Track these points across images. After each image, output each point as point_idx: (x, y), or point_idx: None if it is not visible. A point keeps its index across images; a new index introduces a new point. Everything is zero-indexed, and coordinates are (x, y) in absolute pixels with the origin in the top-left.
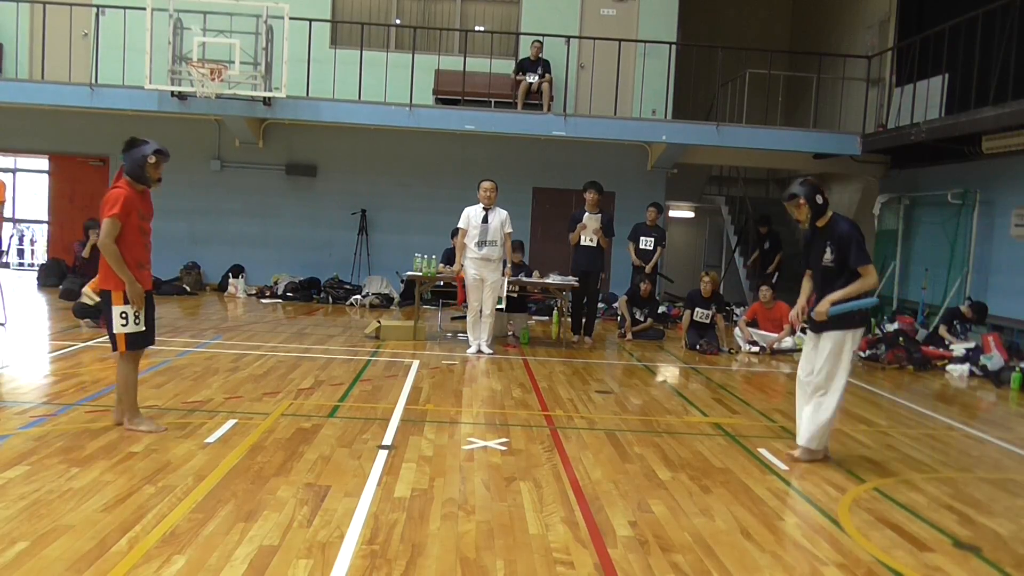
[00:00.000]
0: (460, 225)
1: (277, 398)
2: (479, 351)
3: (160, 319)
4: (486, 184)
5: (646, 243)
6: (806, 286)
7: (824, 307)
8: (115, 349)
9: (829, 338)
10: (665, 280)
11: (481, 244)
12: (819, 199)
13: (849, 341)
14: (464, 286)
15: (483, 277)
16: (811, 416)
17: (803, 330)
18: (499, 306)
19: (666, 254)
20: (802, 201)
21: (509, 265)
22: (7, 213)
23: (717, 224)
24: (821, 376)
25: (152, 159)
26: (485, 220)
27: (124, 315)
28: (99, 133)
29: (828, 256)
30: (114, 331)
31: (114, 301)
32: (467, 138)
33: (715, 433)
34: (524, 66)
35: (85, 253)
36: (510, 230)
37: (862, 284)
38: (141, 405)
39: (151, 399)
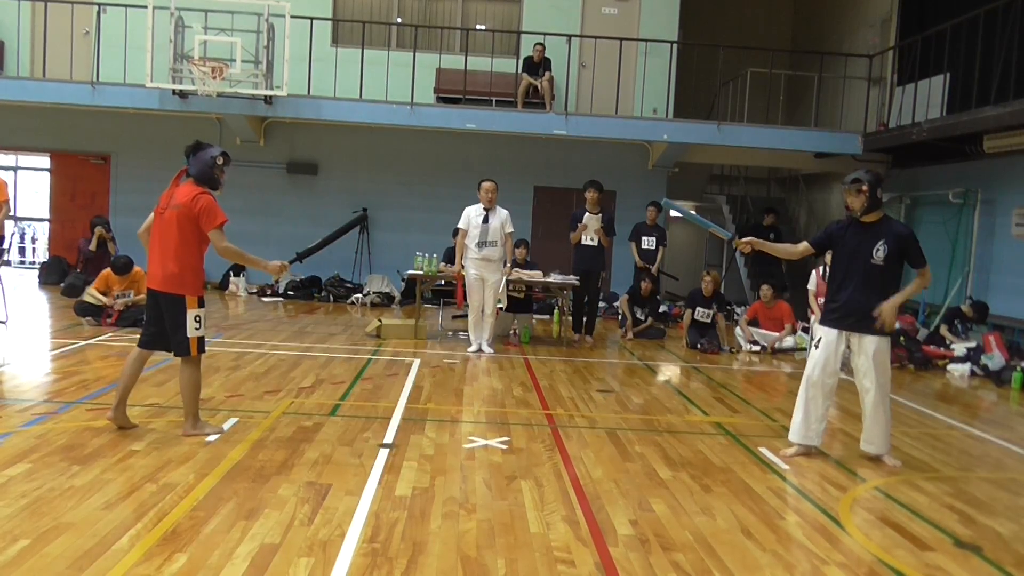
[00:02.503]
0: (460, 225)
1: (278, 396)
2: (480, 350)
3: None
4: (487, 184)
5: (648, 243)
6: (790, 250)
7: (893, 315)
8: (186, 354)
9: (879, 341)
10: (670, 278)
11: (481, 245)
12: (879, 193)
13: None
14: (463, 287)
15: (484, 277)
16: (881, 422)
17: (804, 329)
18: (500, 305)
19: (667, 254)
20: (865, 187)
21: (509, 264)
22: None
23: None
24: (876, 387)
25: (220, 160)
26: (486, 220)
27: (198, 319)
28: (100, 131)
29: (881, 253)
30: (188, 335)
31: (189, 306)
32: (468, 137)
33: (716, 432)
34: (527, 68)
35: (92, 247)
36: (511, 230)
37: (922, 283)
38: (143, 404)
39: (152, 397)
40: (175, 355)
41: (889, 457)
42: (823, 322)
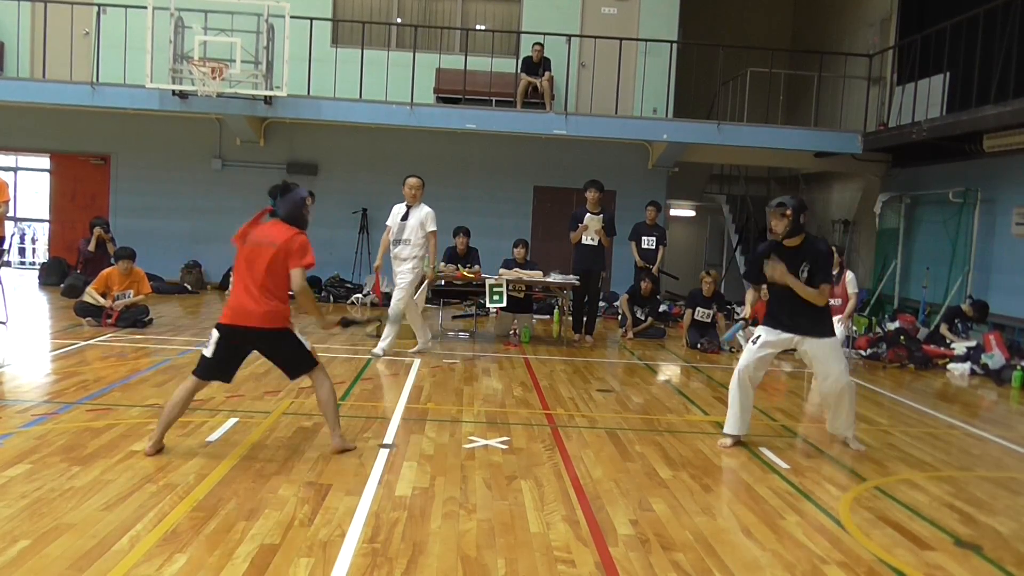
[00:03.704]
0: (388, 222)
1: (278, 397)
2: (423, 348)
3: (161, 318)
4: (411, 180)
5: (648, 242)
6: (751, 296)
7: (783, 272)
8: (312, 365)
9: (830, 345)
10: (670, 278)
11: (396, 242)
12: (802, 218)
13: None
14: (378, 279)
15: (398, 275)
16: (846, 406)
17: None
18: (502, 305)
19: (668, 253)
20: (789, 212)
21: (432, 267)
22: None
23: (718, 223)
24: (837, 378)
25: (309, 201)
26: (405, 217)
27: (211, 335)
28: (100, 132)
29: (806, 274)
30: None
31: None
32: (468, 137)
33: (716, 432)
34: (526, 68)
35: (91, 247)
36: (433, 228)
37: (817, 295)
38: (142, 404)
39: (152, 398)
40: (296, 376)
41: (854, 440)
42: (766, 323)
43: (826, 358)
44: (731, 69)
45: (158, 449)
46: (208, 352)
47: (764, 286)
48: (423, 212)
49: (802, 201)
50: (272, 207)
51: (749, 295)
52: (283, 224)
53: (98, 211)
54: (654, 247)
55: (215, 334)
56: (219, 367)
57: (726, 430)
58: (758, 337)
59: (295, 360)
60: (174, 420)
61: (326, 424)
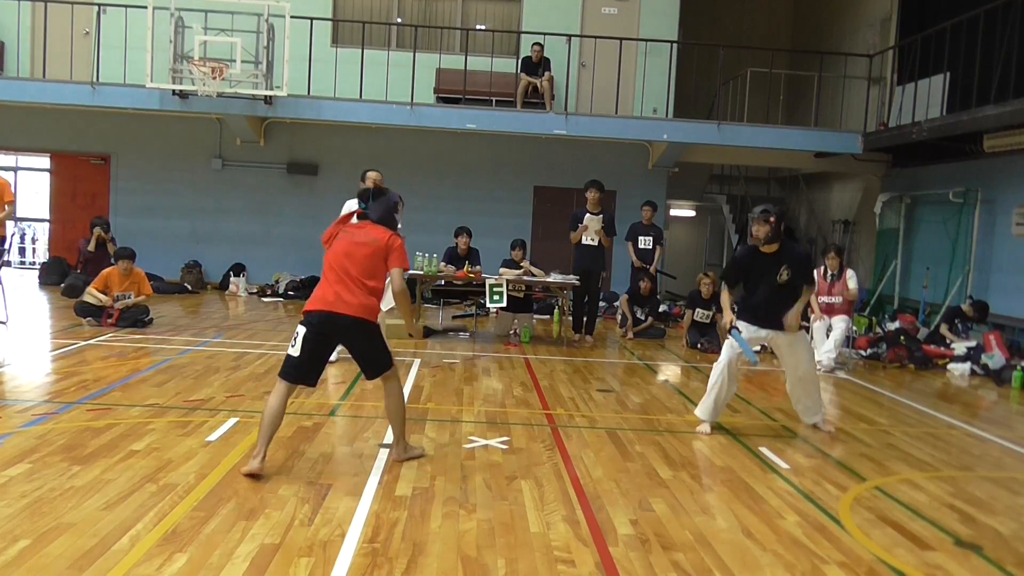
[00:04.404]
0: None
1: None
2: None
3: (162, 318)
4: (375, 175)
5: (645, 242)
6: (728, 299)
7: (796, 320)
8: (388, 367)
9: (803, 337)
10: (668, 277)
11: None
12: (782, 226)
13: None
14: None
15: None
16: (815, 393)
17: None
18: (502, 305)
19: (668, 253)
20: (772, 219)
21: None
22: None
23: (718, 223)
24: (810, 366)
25: (401, 205)
26: None
27: (296, 333)
28: (100, 132)
29: (784, 276)
30: (389, 350)
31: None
32: (468, 137)
33: (716, 432)
34: (526, 68)
35: (91, 247)
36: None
37: (807, 297)
38: (143, 404)
39: (152, 397)
40: (372, 377)
41: (824, 423)
42: (743, 318)
43: (800, 350)
44: (731, 69)
45: (262, 465)
46: (295, 351)
47: (740, 285)
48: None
49: (783, 211)
50: (362, 210)
51: (725, 298)
52: (378, 225)
53: (98, 211)
54: (651, 247)
55: (301, 330)
56: (307, 365)
57: (704, 416)
58: (739, 333)
59: (378, 359)
60: (275, 431)
61: (391, 432)
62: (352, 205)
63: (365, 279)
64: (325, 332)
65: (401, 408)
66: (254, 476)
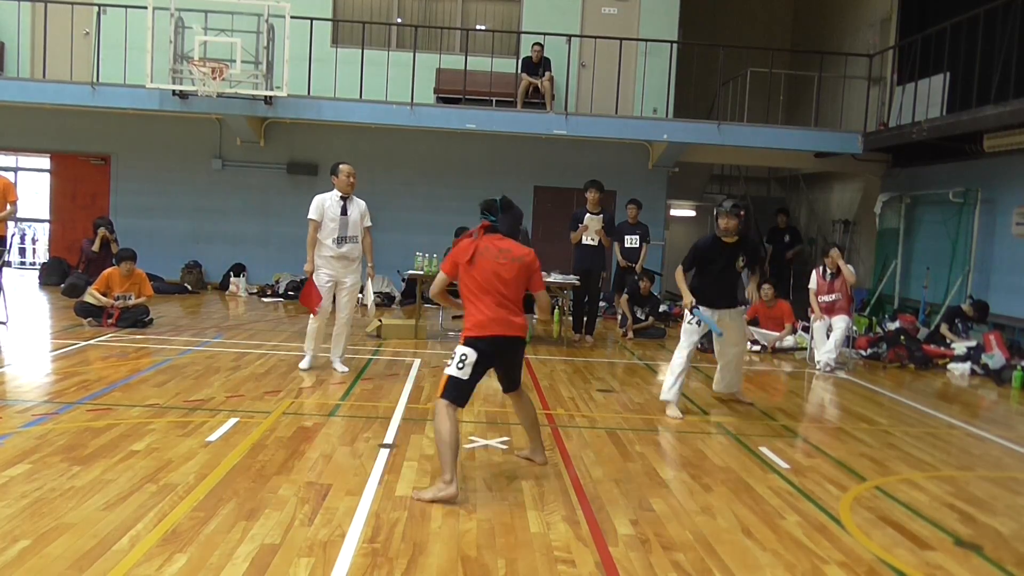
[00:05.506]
0: (312, 216)
1: (278, 397)
2: (310, 367)
3: (162, 318)
4: (345, 167)
5: (631, 241)
6: (684, 280)
7: (756, 293)
8: (520, 383)
9: (741, 315)
10: (654, 275)
11: (341, 240)
12: (749, 220)
13: None
14: (315, 289)
15: (340, 279)
16: (740, 370)
17: (804, 329)
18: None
19: (668, 253)
20: (742, 213)
21: (371, 264)
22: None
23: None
24: (744, 343)
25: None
26: (344, 212)
27: (464, 357)
28: (101, 132)
29: (742, 263)
30: (446, 371)
31: (462, 338)
32: (468, 137)
33: (716, 432)
34: (526, 68)
35: (95, 247)
36: (370, 224)
37: (760, 274)
38: (143, 404)
39: (153, 397)
40: (516, 388)
41: (742, 394)
42: (703, 303)
43: (738, 325)
44: (731, 69)
45: (456, 485)
46: (465, 374)
47: (693, 271)
48: (362, 205)
49: (749, 205)
50: (490, 222)
51: (682, 279)
52: (511, 240)
53: (98, 211)
54: (637, 245)
55: (472, 353)
56: (470, 387)
57: (671, 399)
58: (700, 310)
59: (517, 375)
60: (457, 450)
61: (527, 439)
62: (333, 203)
63: (518, 298)
64: (495, 354)
65: (534, 413)
66: (450, 502)
